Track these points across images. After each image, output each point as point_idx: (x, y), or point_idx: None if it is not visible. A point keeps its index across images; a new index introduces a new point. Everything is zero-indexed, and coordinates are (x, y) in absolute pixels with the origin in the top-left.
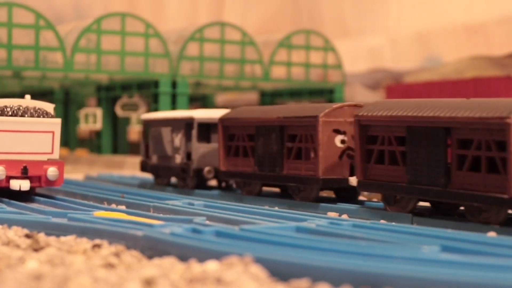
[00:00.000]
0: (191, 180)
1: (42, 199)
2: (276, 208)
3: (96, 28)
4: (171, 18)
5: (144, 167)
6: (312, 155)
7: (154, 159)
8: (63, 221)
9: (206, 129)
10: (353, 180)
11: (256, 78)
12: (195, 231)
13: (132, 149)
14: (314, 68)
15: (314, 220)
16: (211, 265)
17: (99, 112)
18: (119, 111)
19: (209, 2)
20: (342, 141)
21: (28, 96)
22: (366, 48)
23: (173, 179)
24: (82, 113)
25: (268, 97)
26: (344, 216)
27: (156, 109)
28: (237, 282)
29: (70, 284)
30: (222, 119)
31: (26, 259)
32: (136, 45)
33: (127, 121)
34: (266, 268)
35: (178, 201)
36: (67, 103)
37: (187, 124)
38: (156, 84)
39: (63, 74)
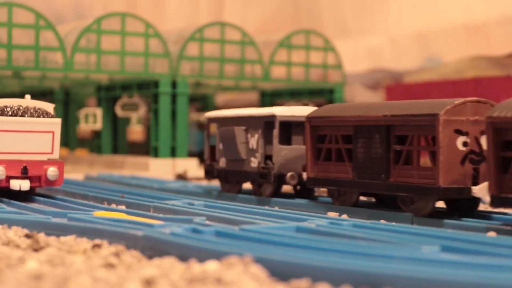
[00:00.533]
0: (270, 186)
1: (42, 199)
2: (276, 208)
3: (96, 28)
4: (171, 18)
5: (210, 172)
6: (429, 160)
7: (222, 162)
8: (63, 221)
9: (286, 129)
10: (479, 191)
11: (256, 78)
12: (195, 231)
13: (132, 149)
14: (314, 68)
15: (314, 220)
16: (211, 265)
17: (99, 112)
18: (119, 111)
19: (209, 2)
20: (464, 144)
21: (28, 96)
22: (366, 48)
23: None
24: (82, 113)
25: (268, 97)
26: (344, 216)
27: (156, 109)
28: (237, 282)
29: (70, 284)
30: (311, 118)
31: (26, 259)
32: (136, 45)
33: (127, 121)
34: (266, 268)
35: (178, 201)
36: (67, 103)
37: (266, 123)
38: (156, 84)
39: (63, 74)
